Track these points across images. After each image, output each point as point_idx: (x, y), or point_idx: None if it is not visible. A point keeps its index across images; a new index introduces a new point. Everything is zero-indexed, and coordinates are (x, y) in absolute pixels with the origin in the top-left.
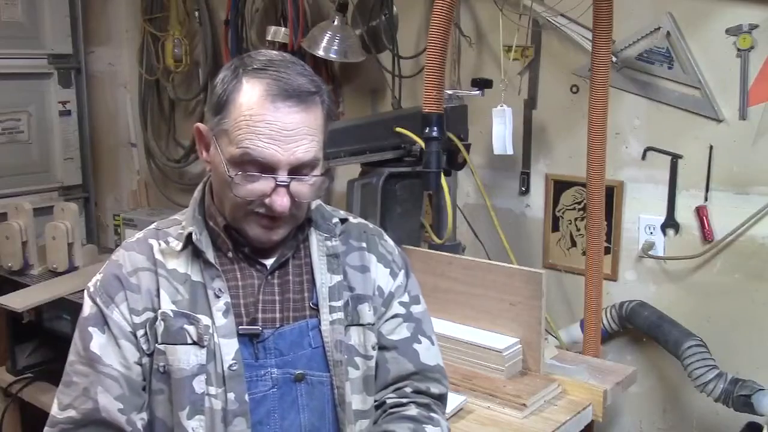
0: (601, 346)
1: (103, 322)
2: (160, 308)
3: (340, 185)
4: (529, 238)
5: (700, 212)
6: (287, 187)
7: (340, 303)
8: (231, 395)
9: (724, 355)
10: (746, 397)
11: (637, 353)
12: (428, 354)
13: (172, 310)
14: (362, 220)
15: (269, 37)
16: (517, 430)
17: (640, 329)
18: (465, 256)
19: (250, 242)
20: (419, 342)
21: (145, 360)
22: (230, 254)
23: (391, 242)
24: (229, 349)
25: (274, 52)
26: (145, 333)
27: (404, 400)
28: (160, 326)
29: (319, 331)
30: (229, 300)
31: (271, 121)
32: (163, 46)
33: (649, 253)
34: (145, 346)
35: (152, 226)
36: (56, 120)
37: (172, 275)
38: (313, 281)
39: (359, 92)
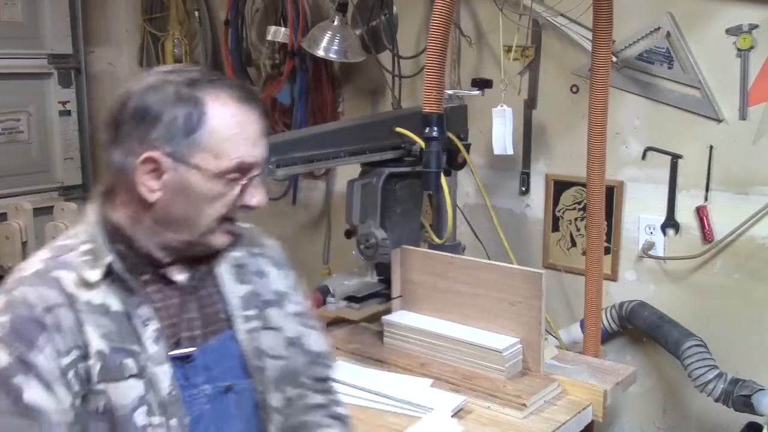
0: (601, 346)
1: (28, 370)
2: (88, 346)
3: (340, 185)
4: (529, 238)
5: (700, 212)
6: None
7: (254, 312)
8: (173, 422)
9: (724, 355)
10: (746, 397)
11: (637, 353)
12: (317, 342)
13: (109, 347)
14: (247, 224)
15: (269, 37)
16: (517, 430)
17: (640, 329)
18: (465, 256)
19: (205, 252)
20: (309, 334)
21: (77, 402)
22: (144, 276)
23: (272, 241)
24: (164, 375)
25: (172, 65)
26: (75, 374)
27: (307, 392)
28: (96, 365)
29: (236, 340)
30: (158, 326)
31: (249, 124)
32: (163, 46)
33: (649, 253)
34: (77, 388)
35: (44, 256)
36: (56, 120)
37: (90, 309)
38: (220, 292)
39: (359, 92)
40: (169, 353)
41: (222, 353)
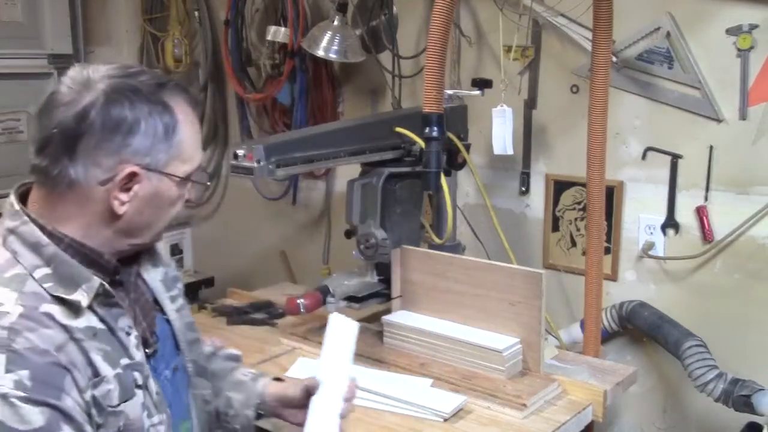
0: (601, 346)
1: (63, 420)
2: (99, 372)
3: (340, 185)
4: (529, 238)
5: (700, 212)
6: None
7: (176, 291)
8: (164, 416)
9: (724, 355)
10: (746, 397)
11: (637, 353)
12: None
13: (120, 367)
14: None
15: (269, 37)
16: (517, 430)
17: (640, 329)
18: (465, 256)
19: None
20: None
21: None
22: (105, 286)
23: None
24: (150, 376)
25: (105, 65)
26: (95, 404)
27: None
28: (116, 389)
29: (167, 322)
30: (137, 333)
31: (198, 126)
32: (163, 46)
33: (649, 253)
34: (97, 419)
35: (8, 296)
36: None
37: (84, 335)
38: (144, 281)
39: (359, 92)
40: (146, 353)
41: (166, 336)
